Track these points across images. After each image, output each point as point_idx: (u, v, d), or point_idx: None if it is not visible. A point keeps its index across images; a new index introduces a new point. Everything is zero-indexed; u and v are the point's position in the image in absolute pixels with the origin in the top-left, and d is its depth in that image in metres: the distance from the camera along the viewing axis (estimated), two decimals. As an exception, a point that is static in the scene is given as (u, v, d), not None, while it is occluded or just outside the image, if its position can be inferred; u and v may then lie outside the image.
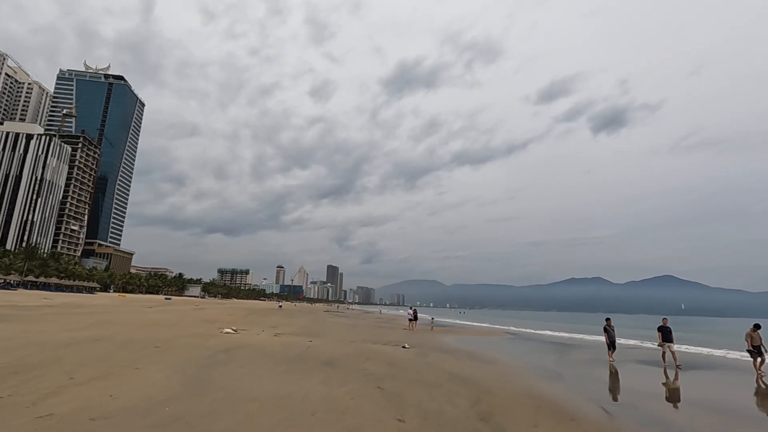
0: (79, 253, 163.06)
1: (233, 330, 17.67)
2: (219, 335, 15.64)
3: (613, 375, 12.25)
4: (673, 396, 9.84)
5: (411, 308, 33.01)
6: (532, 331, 38.40)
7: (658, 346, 14.49)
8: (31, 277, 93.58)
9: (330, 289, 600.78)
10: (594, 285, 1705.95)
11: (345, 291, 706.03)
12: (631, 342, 26.32)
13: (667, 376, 12.42)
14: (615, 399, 9.07)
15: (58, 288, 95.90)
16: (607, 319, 15.72)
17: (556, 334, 34.92)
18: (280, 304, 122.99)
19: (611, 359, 14.88)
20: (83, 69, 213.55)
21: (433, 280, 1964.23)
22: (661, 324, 14.54)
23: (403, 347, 16.55)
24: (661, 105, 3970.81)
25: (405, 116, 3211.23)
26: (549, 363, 14.91)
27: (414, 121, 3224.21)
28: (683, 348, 21.88)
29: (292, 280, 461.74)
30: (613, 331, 15.21)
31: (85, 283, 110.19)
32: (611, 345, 15.07)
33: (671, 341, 14.15)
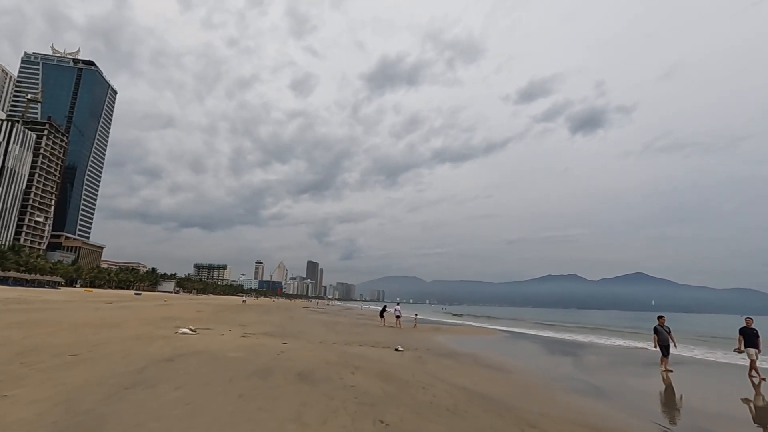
0: (44, 246, 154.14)
1: (191, 330, 14.75)
2: (171, 337, 12.73)
3: (669, 389, 9.94)
4: (761, 418, 7.59)
5: (397, 304, 30.60)
6: (525, 331, 36.53)
7: (736, 351, 11.74)
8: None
9: (310, 285, 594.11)
10: (569, 282, 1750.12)
11: (325, 287, 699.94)
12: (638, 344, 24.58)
13: (759, 392, 9.93)
14: (698, 428, 6.73)
15: (17, 282, 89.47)
16: (660, 318, 12.78)
17: (549, 334, 33.14)
18: (244, 298, 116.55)
19: (664, 368, 11.95)
20: (50, 53, 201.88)
21: (413, 276, 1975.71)
22: (744, 325, 11.67)
23: (396, 350, 14.01)
24: (635, 108, 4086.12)
25: (386, 112, 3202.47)
26: (569, 370, 12.63)
27: (395, 118, 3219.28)
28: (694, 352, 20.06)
29: (272, 276, 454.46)
30: (668, 332, 12.28)
31: (49, 278, 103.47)
32: (665, 350, 12.18)
33: (756, 346, 11.34)
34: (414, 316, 32.19)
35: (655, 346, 12.37)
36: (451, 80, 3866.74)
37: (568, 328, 39.01)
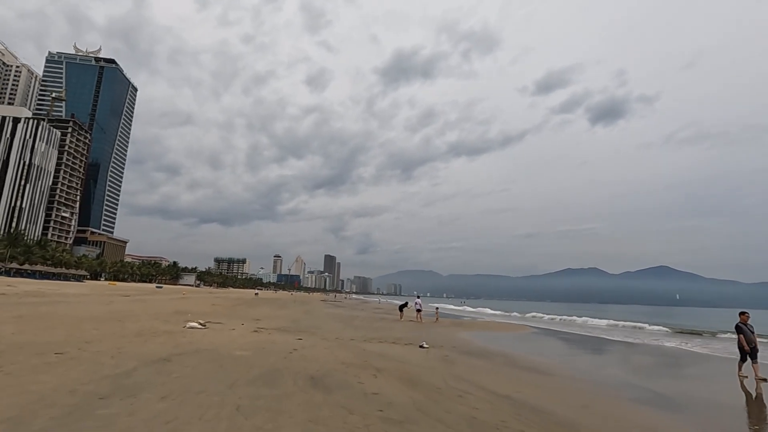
0: (71, 241, 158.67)
1: (200, 324, 13.84)
2: (176, 332, 11.80)
3: (757, 401, 8.37)
4: None
5: (418, 297, 29.42)
6: (551, 327, 34.79)
7: None
8: (14, 265, 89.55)
9: (327, 279, 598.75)
10: (589, 275, 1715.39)
11: (342, 281, 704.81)
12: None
13: None
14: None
15: (44, 276, 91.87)
16: (743, 314, 10.42)
17: (577, 330, 31.42)
18: (256, 291, 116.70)
19: (757, 377, 9.58)
20: (73, 52, 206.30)
21: (429, 270, 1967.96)
22: None
23: (421, 347, 12.78)
24: (658, 97, 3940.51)
25: (401, 106, 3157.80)
26: (619, 373, 11.16)
27: (410, 112, 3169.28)
28: None
29: (290, 270, 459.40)
30: (753, 332, 10.11)
31: (74, 271, 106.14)
32: (751, 353, 9.89)
33: None
34: (435, 310, 30.94)
35: (745, 347, 10.01)
36: (467, 72, 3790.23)
37: (595, 324, 36.95)
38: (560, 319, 40.32)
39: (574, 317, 41.78)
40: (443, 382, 7.61)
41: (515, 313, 51.94)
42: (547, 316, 45.49)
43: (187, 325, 13.41)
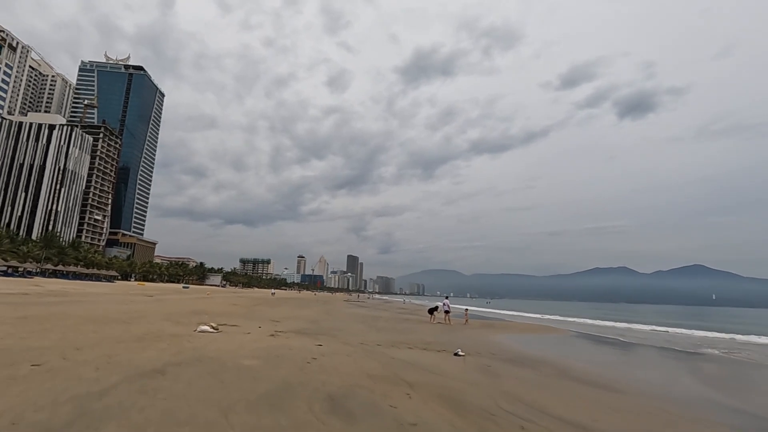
0: (103, 243, 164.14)
1: (213, 328, 12.71)
2: (183, 336, 10.66)
3: None
4: None
5: (446, 298, 27.75)
6: (589, 332, 32.41)
7: None
8: (49, 266, 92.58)
9: (350, 279, 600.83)
10: (619, 274, 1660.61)
11: (365, 281, 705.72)
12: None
13: None
14: None
15: (77, 276, 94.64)
16: None
17: (616, 335, 29.04)
18: (273, 291, 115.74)
19: None
20: (104, 60, 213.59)
21: (452, 269, 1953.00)
22: None
23: (456, 355, 11.22)
24: (689, 89, 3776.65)
25: (421, 105, 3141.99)
26: (695, 386, 9.30)
27: (430, 110, 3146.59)
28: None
29: (313, 270, 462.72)
30: None
31: (105, 272, 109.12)
32: None
33: None
34: (465, 311, 29.18)
35: None
36: (488, 69, 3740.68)
37: (637, 328, 34.24)
38: (597, 323, 37.80)
39: (612, 322, 39.13)
40: (494, 404, 6.06)
41: (548, 316, 49.39)
42: (580, 319, 42.98)
43: (198, 329, 12.29)
